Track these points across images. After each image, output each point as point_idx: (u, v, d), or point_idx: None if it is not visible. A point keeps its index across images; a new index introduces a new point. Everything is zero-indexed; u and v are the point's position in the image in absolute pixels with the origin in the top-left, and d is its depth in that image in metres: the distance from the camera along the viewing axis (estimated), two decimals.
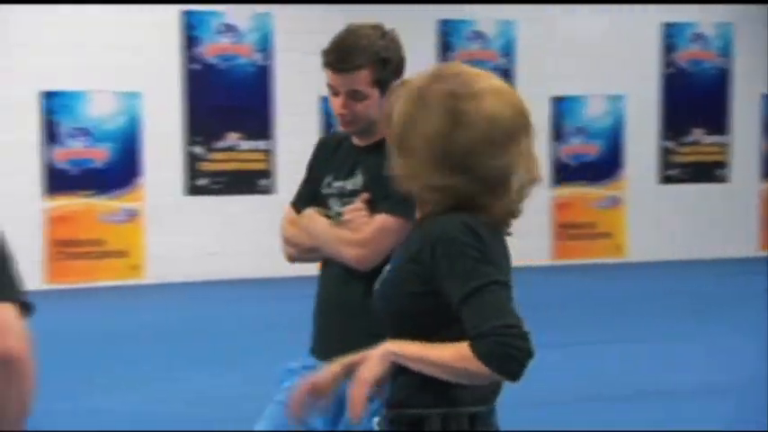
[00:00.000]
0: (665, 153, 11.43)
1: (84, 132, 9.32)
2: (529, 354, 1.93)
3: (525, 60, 10.74)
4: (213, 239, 9.66)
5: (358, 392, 1.98)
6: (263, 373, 6.01)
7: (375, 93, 2.71)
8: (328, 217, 2.75)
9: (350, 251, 2.65)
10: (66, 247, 9.29)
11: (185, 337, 7.43)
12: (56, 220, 9.26)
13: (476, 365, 1.92)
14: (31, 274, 8.90)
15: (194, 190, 9.74)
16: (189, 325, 7.83)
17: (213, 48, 9.65)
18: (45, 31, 9.04)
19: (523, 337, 1.93)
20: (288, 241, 2.83)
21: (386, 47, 2.72)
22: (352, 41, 2.71)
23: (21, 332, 1.92)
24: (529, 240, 10.76)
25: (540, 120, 10.93)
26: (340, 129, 2.88)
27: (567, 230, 11.10)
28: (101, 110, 9.38)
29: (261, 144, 9.89)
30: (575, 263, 10.89)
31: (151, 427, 5.17)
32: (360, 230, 2.64)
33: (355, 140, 2.80)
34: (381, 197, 2.64)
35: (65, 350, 6.55)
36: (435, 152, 2.04)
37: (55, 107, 9.19)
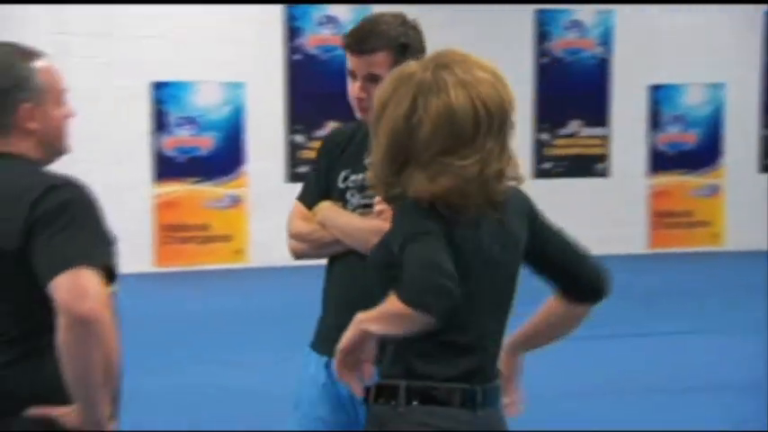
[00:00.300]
0: (766, 142, 11.11)
1: (191, 121, 9.52)
2: (443, 289, 1.88)
3: (623, 49, 10.55)
4: None
5: (336, 365, 2.01)
6: None
7: None
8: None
9: None
10: (173, 232, 9.52)
11: (289, 318, 7.51)
12: (164, 206, 9.49)
13: (399, 307, 1.90)
14: (142, 257, 9.16)
15: (295, 177, 9.86)
16: (292, 307, 7.92)
17: (314, 38, 9.74)
18: (156, 24, 9.26)
19: (443, 274, 1.90)
20: (299, 236, 2.74)
21: (405, 33, 2.65)
22: (372, 26, 2.65)
23: (98, 295, 1.94)
24: (625, 229, 10.61)
25: (638, 108, 10.74)
26: (350, 121, 2.79)
27: (664, 219, 10.88)
28: (207, 100, 9.57)
29: None
30: (672, 251, 10.68)
31: (262, 404, 5.27)
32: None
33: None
34: None
35: (174, 330, 6.72)
36: (393, 147, 2.04)
37: (164, 97, 9.41)
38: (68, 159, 2.30)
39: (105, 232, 2.06)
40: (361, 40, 2.63)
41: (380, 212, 2.50)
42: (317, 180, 2.77)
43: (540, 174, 10.29)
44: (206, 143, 9.59)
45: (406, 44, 2.63)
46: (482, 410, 2.07)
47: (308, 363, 2.78)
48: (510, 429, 2.19)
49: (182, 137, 9.50)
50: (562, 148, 10.52)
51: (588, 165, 10.64)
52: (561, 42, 10.46)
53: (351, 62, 2.65)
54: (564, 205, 9.98)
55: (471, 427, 2.05)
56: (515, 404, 2.27)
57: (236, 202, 9.70)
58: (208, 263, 9.49)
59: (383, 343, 2.07)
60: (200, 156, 9.57)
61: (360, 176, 2.65)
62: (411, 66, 2.10)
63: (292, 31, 9.71)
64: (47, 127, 2.16)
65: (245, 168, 9.69)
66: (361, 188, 2.65)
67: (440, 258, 1.92)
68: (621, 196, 10.55)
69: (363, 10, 9.76)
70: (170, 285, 8.75)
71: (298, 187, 10.11)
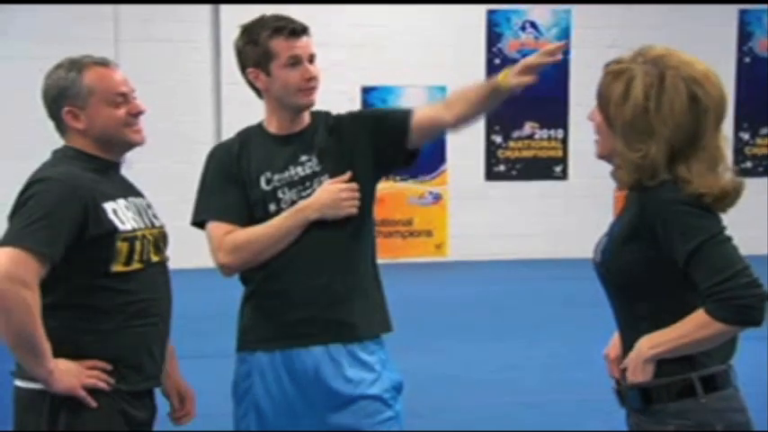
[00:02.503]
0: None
1: None
2: (761, 297, 1.88)
3: None
4: (510, 221, 9.72)
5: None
6: (562, 346, 6.01)
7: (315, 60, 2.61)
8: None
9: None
10: (380, 227, 9.71)
11: (487, 310, 7.55)
12: None
13: (718, 327, 1.90)
14: None
15: (493, 176, 9.84)
16: (489, 299, 7.94)
17: (515, 43, 9.68)
18: (366, 33, 9.48)
19: (752, 283, 1.88)
20: (239, 248, 2.49)
21: None
22: (285, 16, 2.60)
23: (3, 271, 2.15)
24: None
25: None
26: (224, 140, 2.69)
27: None
28: (411, 102, 9.68)
29: (558, 132, 9.81)
30: None
31: (461, 389, 5.30)
32: (356, 205, 2.53)
33: (277, 130, 2.58)
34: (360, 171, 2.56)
35: None
36: (678, 135, 2.00)
37: (373, 101, 9.62)
38: None
39: (49, 222, 2.18)
40: (299, 23, 2.56)
41: (343, 200, 2.50)
42: (228, 192, 2.54)
43: (741, 173, 9.79)
44: None
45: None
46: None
47: (252, 355, 2.56)
48: None
49: None
50: (765, 147, 9.98)
51: None
52: (764, 42, 9.92)
53: (294, 48, 2.53)
54: (765, 206, 9.46)
55: (744, 405, 2.06)
56: None
57: (437, 199, 9.79)
58: (411, 256, 9.62)
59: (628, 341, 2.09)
60: None
61: (285, 174, 2.53)
62: (638, 61, 2.05)
63: (493, 36, 9.69)
64: (96, 125, 2.34)
65: (447, 167, 9.76)
66: (291, 184, 2.53)
67: (743, 266, 1.91)
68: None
69: (565, 14, 9.62)
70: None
71: (496, 185, 10.08)
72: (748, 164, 9.94)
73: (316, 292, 2.50)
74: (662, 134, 1.99)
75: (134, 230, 2.31)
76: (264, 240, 2.49)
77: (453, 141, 9.73)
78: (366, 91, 9.59)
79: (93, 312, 2.26)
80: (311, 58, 2.56)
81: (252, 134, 2.63)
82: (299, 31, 2.55)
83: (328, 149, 2.57)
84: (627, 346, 2.10)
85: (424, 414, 4.75)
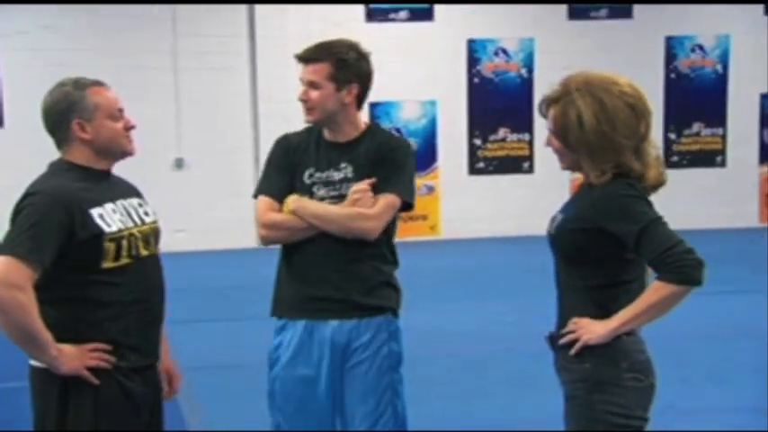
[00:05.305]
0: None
1: (398, 131, 9.66)
2: (698, 260, 1.88)
3: (738, 65, 9.80)
4: (489, 207, 9.71)
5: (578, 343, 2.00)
6: (530, 305, 5.99)
7: (330, 86, 2.38)
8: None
9: (365, 224, 2.35)
10: None
11: (471, 277, 7.55)
12: None
13: (668, 289, 1.88)
14: None
15: (475, 171, 9.82)
16: (473, 269, 7.95)
17: (490, 65, 9.64)
18: (372, 58, 9.41)
19: (689, 250, 1.88)
20: (275, 226, 2.40)
21: (347, 52, 2.41)
22: (321, 43, 2.43)
23: (2, 278, 2.00)
24: (737, 208, 9.89)
25: (751, 112, 9.94)
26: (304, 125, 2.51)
27: None
28: (409, 114, 9.68)
29: (525, 136, 9.78)
30: None
31: (448, 340, 5.30)
32: (368, 206, 2.36)
33: (328, 136, 2.45)
34: (381, 180, 2.39)
35: None
36: (635, 140, 2.00)
37: (378, 113, 9.59)
38: None
39: (36, 231, 2.04)
40: (307, 52, 2.42)
41: (357, 200, 2.36)
42: (280, 176, 2.45)
43: (669, 165, 9.76)
44: None
45: (345, 60, 2.40)
46: None
47: (283, 329, 2.49)
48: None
49: None
50: (688, 144, 9.95)
51: (708, 157, 10.01)
52: (686, 62, 9.87)
53: (300, 72, 2.43)
54: (688, 191, 9.43)
55: (644, 346, 2.05)
56: None
57: (431, 190, 9.77)
58: (410, 236, 9.62)
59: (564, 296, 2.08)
60: None
61: (324, 174, 2.43)
62: (579, 87, 2.04)
63: (473, 60, 9.64)
64: (99, 136, 2.17)
65: (438, 165, 9.74)
66: (327, 183, 2.42)
67: (680, 240, 1.90)
68: (736, 183, 9.86)
69: (529, 41, 9.57)
70: None
71: (477, 178, 10.08)
72: (675, 158, 9.91)
73: (335, 274, 2.42)
74: (627, 146, 2.00)
75: (120, 231, 2.15)
76: (296, 225, 2.40)
77: (443, 144, 9.71)
78: (373, 106, 9.56)
79: (91, 303, 2.12)
80: (310, 84, 2.42)
81: (313, 134, 2.50)
82: (300, 59, 2.44)
83: (365, 164, 2.43)
84: (561, 306, 2.10)
85: (420, 358, 4.76)
